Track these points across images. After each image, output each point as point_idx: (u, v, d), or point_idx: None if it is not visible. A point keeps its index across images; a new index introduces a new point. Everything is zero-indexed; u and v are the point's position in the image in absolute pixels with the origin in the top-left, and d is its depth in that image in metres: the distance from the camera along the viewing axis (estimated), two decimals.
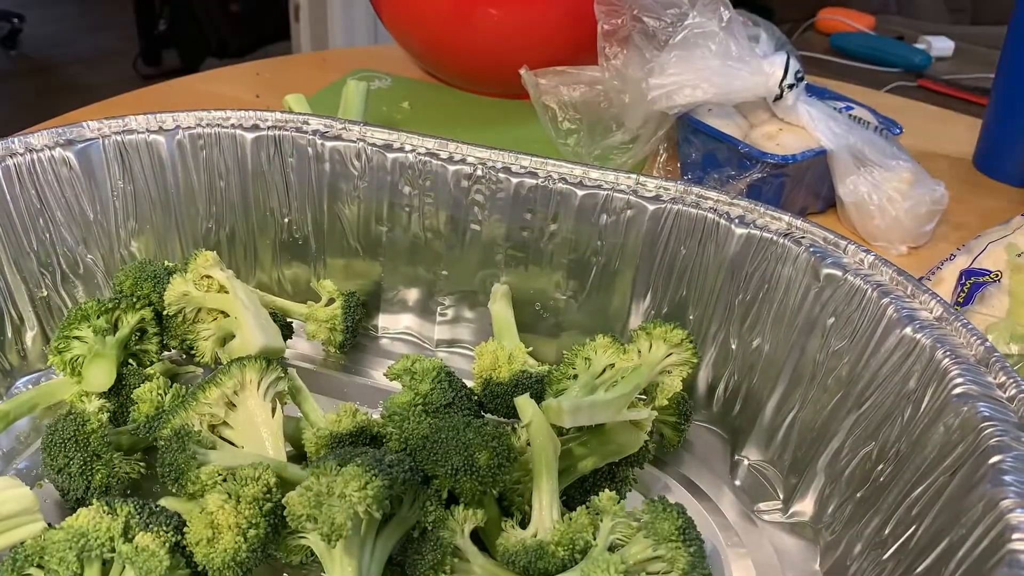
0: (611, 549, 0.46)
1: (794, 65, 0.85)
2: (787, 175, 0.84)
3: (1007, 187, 0.99)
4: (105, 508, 0.41)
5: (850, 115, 0.90)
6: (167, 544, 0.42)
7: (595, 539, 0.47)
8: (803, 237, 0.56)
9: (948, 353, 0.47)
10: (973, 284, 0.70)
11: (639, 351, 0.56)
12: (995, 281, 0.69)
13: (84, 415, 0.51)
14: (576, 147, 0.96)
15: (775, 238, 0.56)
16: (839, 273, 0.54)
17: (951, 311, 0.50)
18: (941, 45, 1.76)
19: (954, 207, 0.88)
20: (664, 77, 0.85)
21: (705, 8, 0.85)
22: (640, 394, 0.55)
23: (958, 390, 0.45)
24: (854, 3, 2.05)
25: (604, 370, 0.55)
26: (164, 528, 0.42)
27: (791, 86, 0.85)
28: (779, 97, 0.85)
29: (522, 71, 0.98)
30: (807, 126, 0.86)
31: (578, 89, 0.97)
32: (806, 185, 0.87)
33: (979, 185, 0.99)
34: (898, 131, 0.90)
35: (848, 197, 0.84)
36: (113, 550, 0.40)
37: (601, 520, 0.47)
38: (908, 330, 0.49)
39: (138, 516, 0.42)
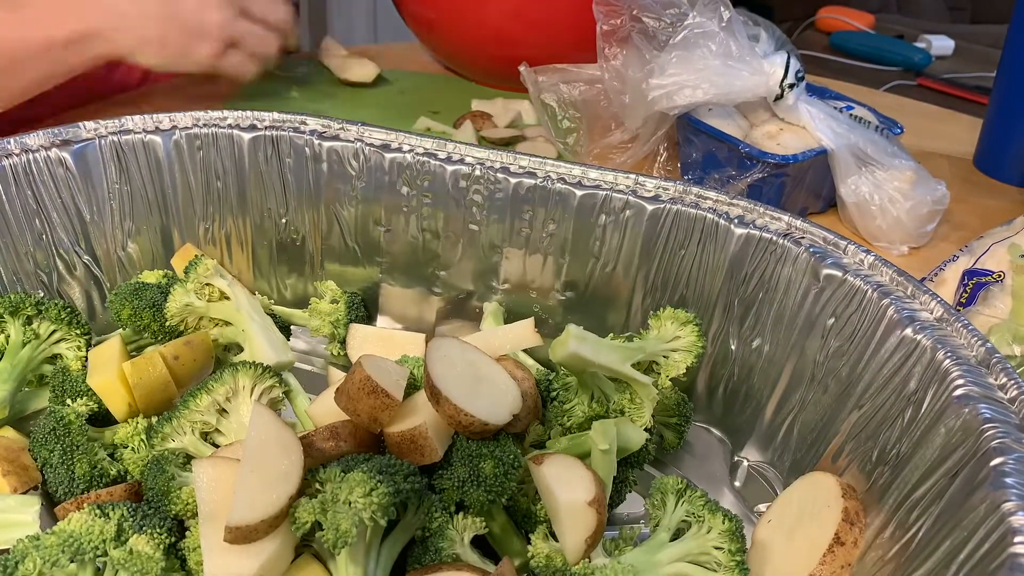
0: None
1: (794, 64, 0.85)
2: (788, 175, 0.84)
3: (1008, 187, 0.98)
4: (97, 512, 0.41)
5: (851, 115, 0.89)
6: (162, 547, 0.41)
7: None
8: (803, 237, 0.56)
9: (949, 354, 0.47)
10: (976, 284, 0.69)
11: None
12: (998, 282, 0.69)
13: (63, 411, 0.51)
14: (575, 146, 0.95)
15: (775, 238, 0.56)
16: (839, 274, 0.53)
17: (952, 312, 0.49)
18: (941, 44, 1.76)
19: (955, 207, 0.88)
20: (664, 77, 0.85)
21: (705, 8, 0.85)
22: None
23: (959, 392, 0.45)
24: (854, 2, 2.05)
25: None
26: (158, 530, 0.42)
27: (792, 86, 0.84)
28: (780, 97, 0.85)
29: (521, 68, 0.97)
30: (808, 126, 0.85)
31: (578, 87, 0.97)
32: (807, 185, 0.87)
33: (980, 185, 0.99)
34: (899, 131, 0.89)
35: (849, 197, 0.84)
36: (106, 554, 0.40)
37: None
38: (908, 331, 0.49)
39: (131, 519, 0.42)
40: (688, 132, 0.90)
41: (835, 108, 0.89)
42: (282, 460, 0.42)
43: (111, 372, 0.54)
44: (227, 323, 0.61)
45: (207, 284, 0.62)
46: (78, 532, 0.40)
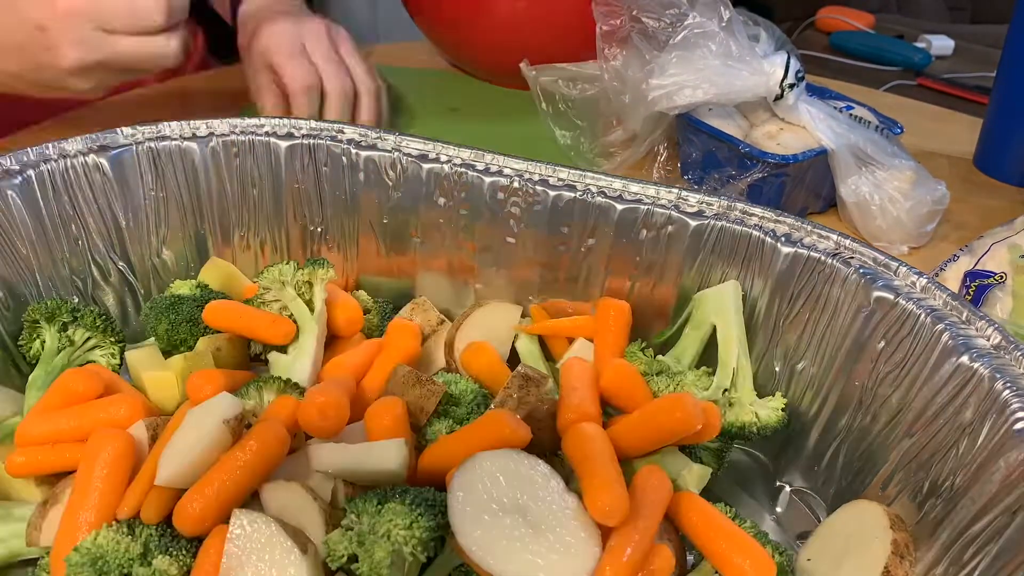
0: None
1: (794, 65, 0.83)
2: (787, 175, 0.82)
3: (1008, 187, 0.96)
4: (124, 530, 0.40)
5: (851, 115, 0.88)
6: (185, 568, 0.41)
7: None
8: (852, 257, 0.54)
9: (1008, 385, 0.44)
10: (979, 286, 0.68)
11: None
12: (1000, 283, 0.68)
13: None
14: (576, 143, 0.93)
15: (823, 258, 0.54)
16: (890, 296, 0.51)
17: (1010, 339, 0.47)
18: (941, 44, 1.74)
19: (954, 207, 0.86)
20: (664, 78, 0.83)
21: (705, 8, 0.83)
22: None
23: (1020, 424, 0.43)
24: (854, 2, 2.03)
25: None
26: (183, 553, 0.41)
27: (792, 86, 0.83)
28: (780, 97, 0.83)
29: (522, 65, 0.96)
30: (808, 126, 0.84)
31: (578, 85, 0.96)
32: (807, 185, 0.85)
33: (979, 184, 0.97)
34: (899, 131, 0.88)
35: (850, 197, 0.82)
36: (130, 572, 0.39)
37: None
38: (964, 359, 0.47)
39: (158, 539, 0.41)
40: (688, 132, 0.88)
41: (835, 108, 0.88)
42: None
43: (169, 368, 0.55)
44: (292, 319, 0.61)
45: (309, 283, 0.61)
46: (105, 548, 0.39)
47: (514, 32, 1.04)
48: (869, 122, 0.87)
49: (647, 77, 0.85)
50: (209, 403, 0.45)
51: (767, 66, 0.82)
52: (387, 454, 0.44)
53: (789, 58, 0.83)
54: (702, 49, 0.83)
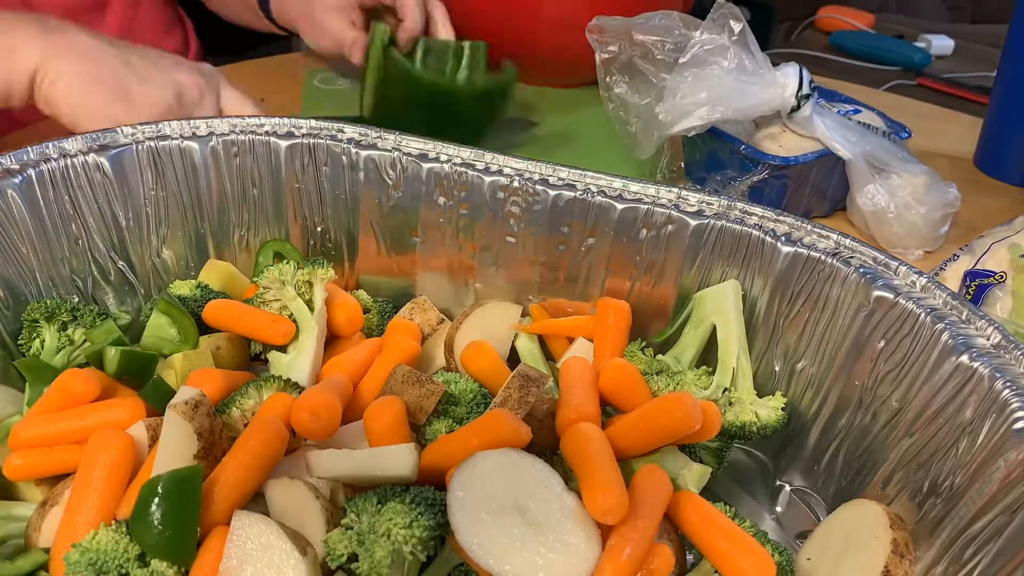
0: None
1: (806, 75, 0.82)
2: (789, 177, 0.82)
3: (1008, 186, 0.97)
4: (124, 530, 0.40)
5: (859, 120, 0.87)
6: (184, 569, 0.40)
7: None
8: (852, 257, 0.54)
9: (1008, 384, 0.44)
10: (979, 286, 0.69)
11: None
12: (1000, 282, 0.68)
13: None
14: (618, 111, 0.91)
15: (823, 257, 0.54)
16: (890, 296, 0.51)
17: (1010, 339, 0.47)
18: (941, 43, 1.75)
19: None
20: (677, 99, 0.81)
21: (714, 24, 0.82)
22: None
23: (1020, 424, 0.43)
24: (854, 2, 2.04)
25: None
26: None
27: (807, 96, 0.82)
28: (796, 108, 0.82)
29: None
30: (823, 138, 0.83)
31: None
32: (811, 187, 0.85)
33: (980, 184, 0.97)
34: (906, 135, 0.87)
35: (867, 206, 0.82)
36: (128, 573, 0.39)
37: None
38: (964, 358, 0.47)
39: None
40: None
41: (844, 112, 0.87)
42: None
43: (169, 368, 0.55)
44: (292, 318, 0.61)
45: (309, 283, 0.61)
46: (103, 549, 0.39)
47: (515, 32, 1.04)
48: (877, 128, 0.87)
49: (657, 101, 0.83)
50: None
51: (780, 78, 0.82)
52: (399, 460, 0.44)
53: (802, 68, 0.82)
54: (713, 66, 0.81)
